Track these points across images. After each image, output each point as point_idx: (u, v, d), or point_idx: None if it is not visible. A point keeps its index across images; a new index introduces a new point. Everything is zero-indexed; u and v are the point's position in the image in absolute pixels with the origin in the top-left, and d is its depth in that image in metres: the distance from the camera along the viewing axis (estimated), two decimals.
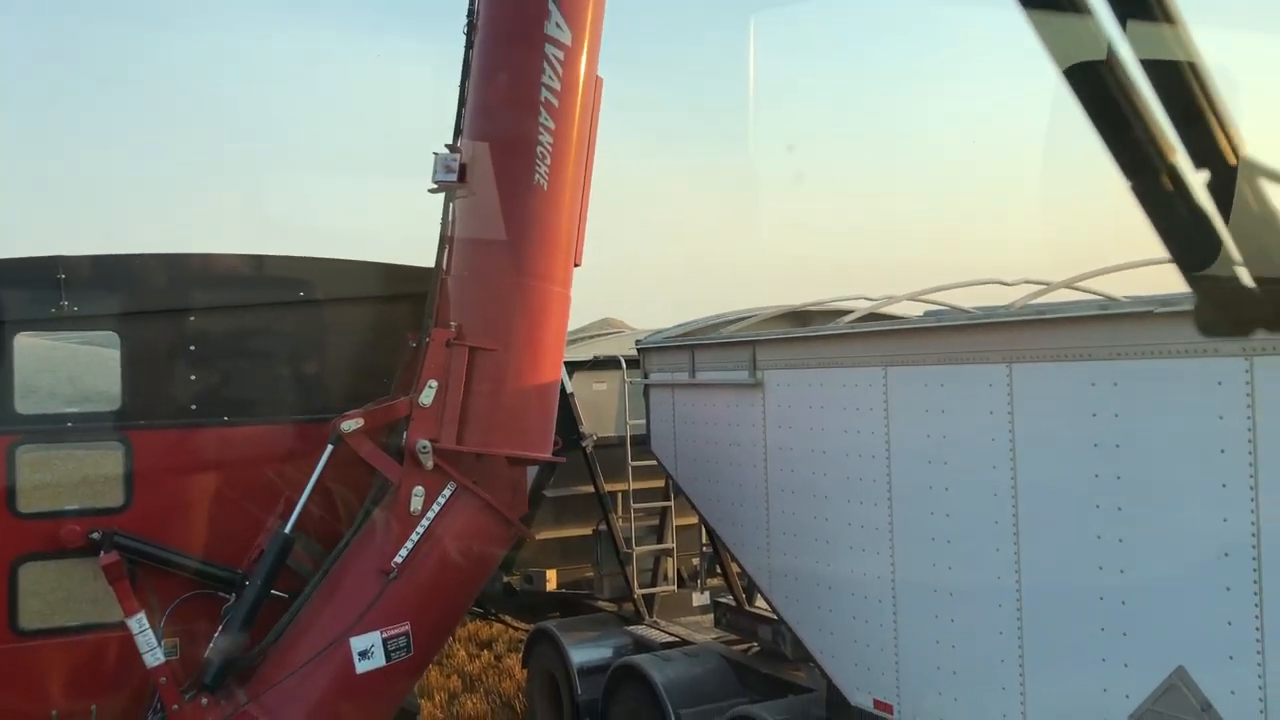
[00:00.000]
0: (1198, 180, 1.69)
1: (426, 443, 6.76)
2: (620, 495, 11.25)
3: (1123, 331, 5.67)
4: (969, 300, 8.51)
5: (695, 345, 9.31)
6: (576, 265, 7.43)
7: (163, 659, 6.77)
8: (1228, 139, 1.67)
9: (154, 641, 6.71)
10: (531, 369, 7.17)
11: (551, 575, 11.75)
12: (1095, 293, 8.08)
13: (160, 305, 7.39)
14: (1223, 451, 5.22)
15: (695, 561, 11.95)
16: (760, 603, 9.52)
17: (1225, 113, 1.67)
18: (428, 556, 6.73)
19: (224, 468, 7.33)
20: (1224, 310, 1.79)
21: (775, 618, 8.75)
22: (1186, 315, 5.43)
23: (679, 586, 11.60)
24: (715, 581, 11.39)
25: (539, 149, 6.85)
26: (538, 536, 11.75)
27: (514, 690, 13.13)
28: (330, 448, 7.07)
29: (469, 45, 7.23)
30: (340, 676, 6.56)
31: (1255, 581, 5.12)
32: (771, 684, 9.24)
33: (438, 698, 12.97)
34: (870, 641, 7.41)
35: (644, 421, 10.08)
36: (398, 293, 8.26)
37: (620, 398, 11.07)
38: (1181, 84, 1.65)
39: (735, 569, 10.00)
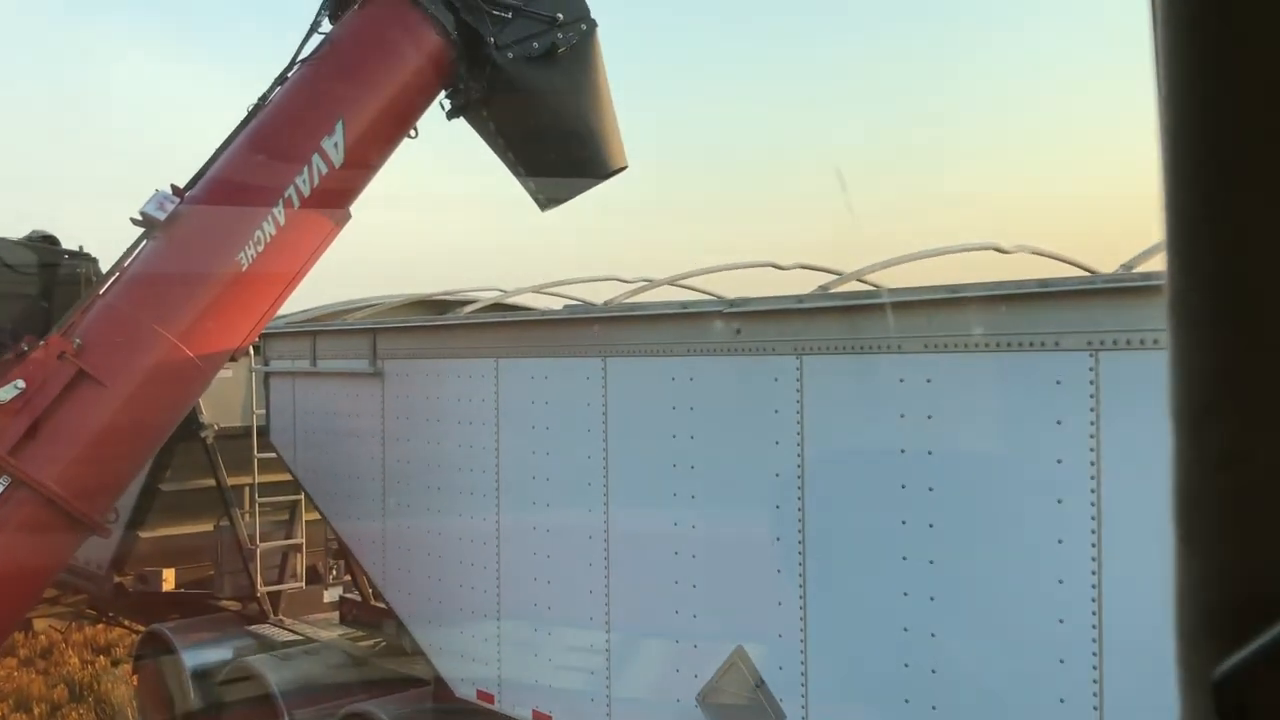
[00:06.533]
0: None
1: None
2: (246, 489, 10.68)
3: (693, 329, 5.96)
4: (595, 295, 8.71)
5: (317, 331, 8.98)
6: (236, 352, 7.23)
7: None
8: None
9: None
10: (128, 427, 6.71)
11: (169, 575, 10.99)
12: (704, 291, 8.49)
13: None
14: (777, 444, 5.59)
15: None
16: None
17: None
18: None
19: None
20: None
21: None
22: (753, 315, 5.78)
23: (308, 583, 11.18)
24: (348, 577, 11.06)
25: (257, 233, 6.71)
26: (154, 534, 10.97)
27: (129, 697, 12.18)
28: None
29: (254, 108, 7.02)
30: None
31: (800, 564, 5.51)
32: (393, 680, 9.07)
33: (37, 710, 11.82)
34: (475, 634, 7.41)
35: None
36: None
37: (247, 385, 10.50)
38: None
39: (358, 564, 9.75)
